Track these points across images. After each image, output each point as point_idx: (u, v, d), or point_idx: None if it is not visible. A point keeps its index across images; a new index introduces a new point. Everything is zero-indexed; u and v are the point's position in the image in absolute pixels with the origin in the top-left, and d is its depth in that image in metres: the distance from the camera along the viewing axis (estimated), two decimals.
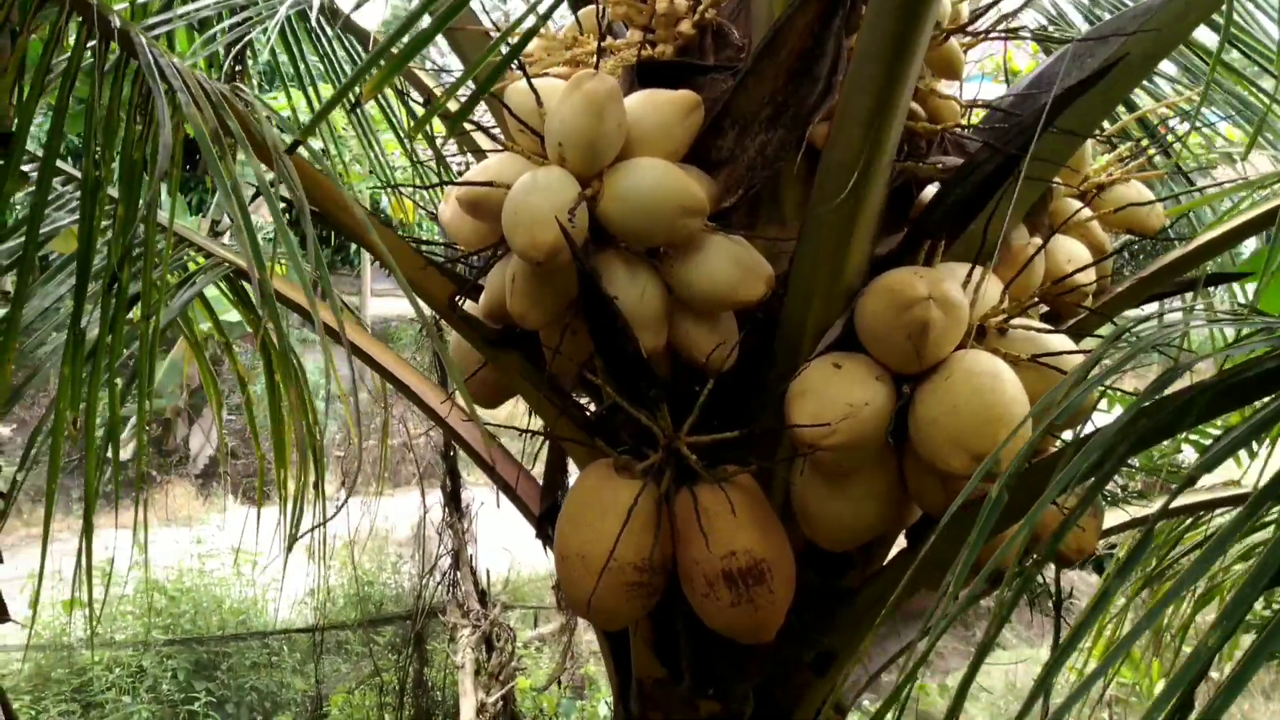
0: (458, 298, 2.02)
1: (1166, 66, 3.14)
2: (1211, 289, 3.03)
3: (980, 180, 1.84)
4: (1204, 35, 3.10)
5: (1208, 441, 4.01)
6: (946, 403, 1.68)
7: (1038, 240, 2.04)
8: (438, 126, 3.87)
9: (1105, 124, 2.55)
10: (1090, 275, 2.10)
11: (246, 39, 2.90)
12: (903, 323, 1.68)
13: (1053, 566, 2.41)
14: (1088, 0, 3.19)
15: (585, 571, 1.77)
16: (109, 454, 2.37)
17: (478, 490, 6.26)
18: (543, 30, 2.11)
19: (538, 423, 2.23)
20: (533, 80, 1.83)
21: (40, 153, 2.56)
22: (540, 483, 2.51)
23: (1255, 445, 2.93)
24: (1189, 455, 4.81)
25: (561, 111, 1.75)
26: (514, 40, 1.51)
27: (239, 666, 7.07)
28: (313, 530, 3.11)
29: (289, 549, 3.02)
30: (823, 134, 1.84)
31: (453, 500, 6.22)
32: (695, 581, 1.77)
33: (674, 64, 1.98)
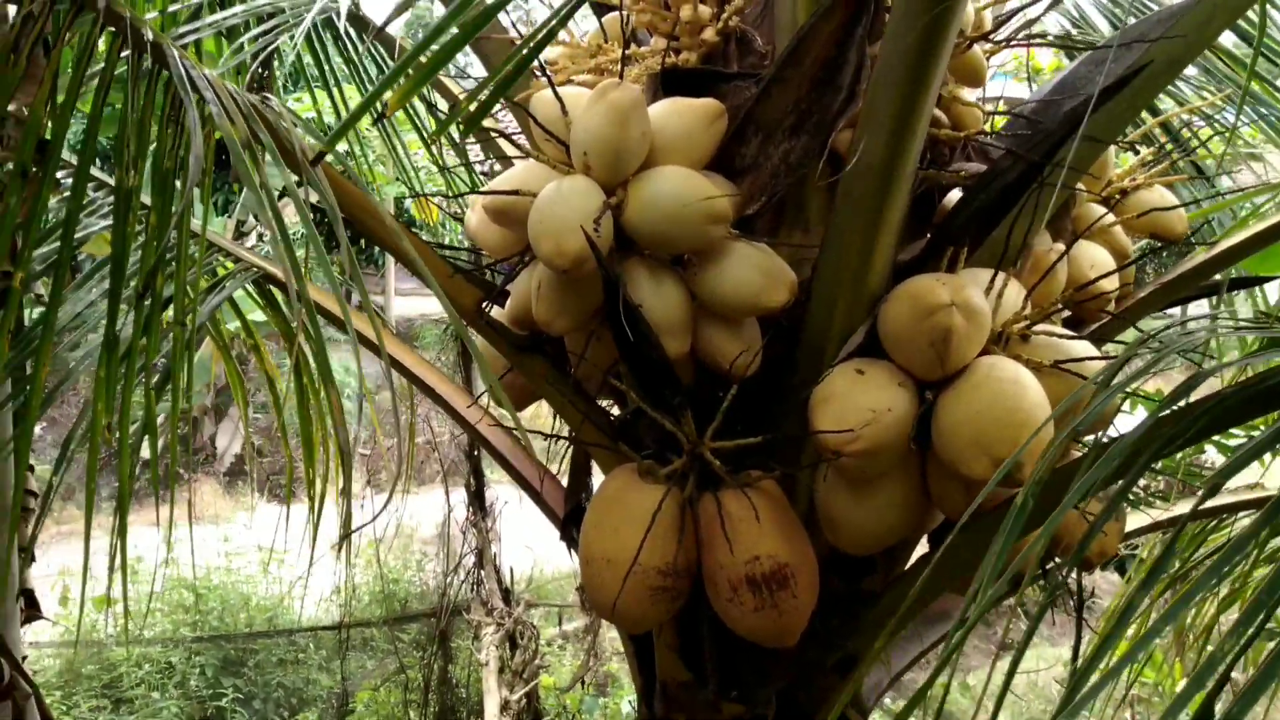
0: (484, 304, 2.05)
1: (1187, 68, 3.13)
2: (1235, 293, 3.02)
3: (1003, 187, 1.84)
4: (1223, 36, 3.09)
5: (1231, 442, 4.00)
6: (969, 409, 1.69)
7: (1060, 246, 2.04)
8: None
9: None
10: (1113, 281, 2.10)
11: (273, 46, 2.93)
12: (925, 329, 1.69)
13: (1075, 568, 2.42)
14: (1110, 3, 3.18)
15: (610, 575, 1.79)
16: (140, 454, 2.41)
17: (501, 489, 6.30)
18: (567, 38, 2.13)
19: (562, 426, 2.25)
20: (558, 89, 1.85)
21: (72, 159, 2.61)
22: (564, 485, 2.53)
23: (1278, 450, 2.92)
24: (1212, 455, 4.80)
25: (586, 120, 1.77)
26: (535, 44, 1.53)
27: (266, 663, 7.13)
28: (342, 532, 3.14)
29: (314, 547, 3.05)
30: (846, 141, 1.85)
31: (477, 499, 6.25)
32: (719, 586, 1.79)
33: (698, 71, 1.99)
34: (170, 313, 2.25)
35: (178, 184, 1.88)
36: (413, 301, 14.26)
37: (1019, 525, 1.18)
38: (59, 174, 2.40)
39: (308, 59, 3.65)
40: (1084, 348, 1.81)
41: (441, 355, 6.37)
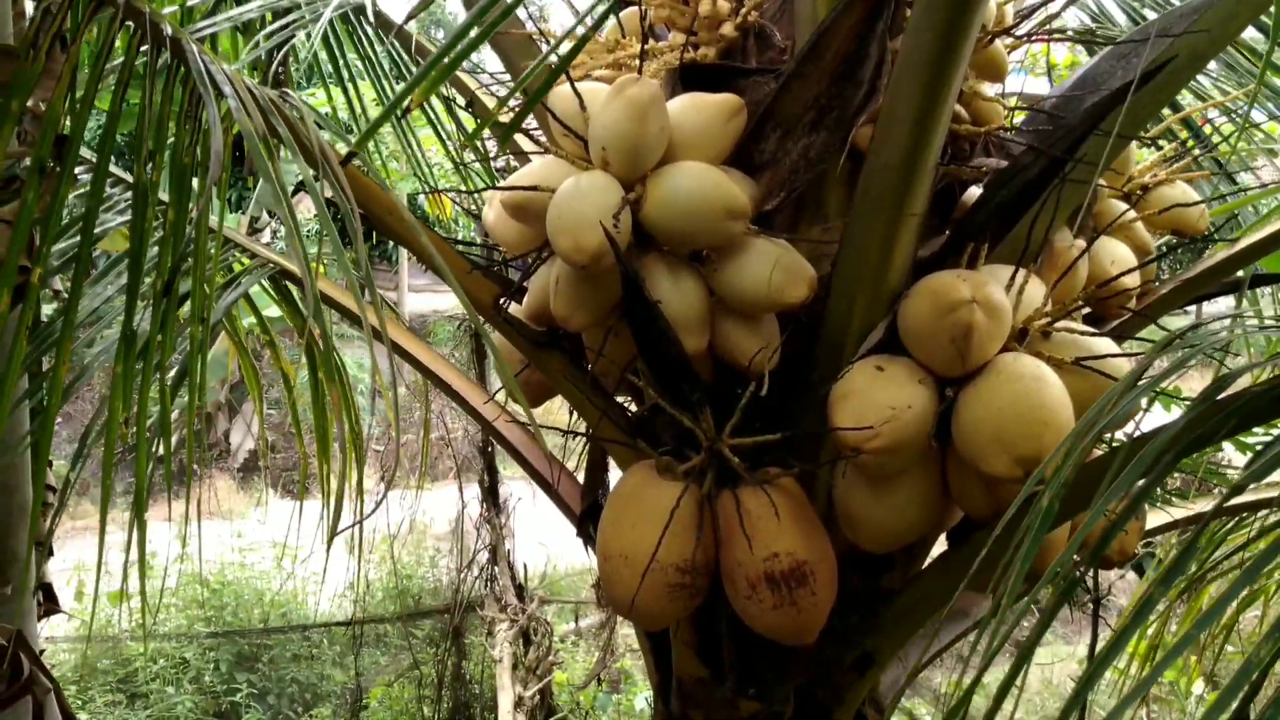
0: (502, 300, 2.04)
1: (1210, 63, 3.11)
2: (1259, 291, 3.00)
3: (1025, 183, 1.83)
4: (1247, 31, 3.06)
5: (1249, 440, 3.98)
6: (990, 406, 1.68)
7: (1081, 243, 2.03)
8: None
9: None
10: (1134, 277, 2.09)
11: (290, 41, 2.93)
12: (946, 325, 1.68)
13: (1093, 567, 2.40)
14: None
15: (628, 572, 1.79)
16: (156, 449, 2.41)
17: (515, 485, 6.30)
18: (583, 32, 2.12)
19: (579, 422, 2.25)
20: (576, 84, 1.85)
21: (91, 156, 2.61)
22: (581, 481, 2.52)
23: None
24: (1229, 453, 4.77)
25: (605, 116, 1.76)
26: (563, 49, 1.52)
27: (280, 659, 7.15)
28: (354, 526, 3.15)
29: (330, 544, 3.05)
30: (866, 137, 1.84)
31: (490, 495, 6.26)
32: (738, 583, 1.78)
33: (717, 67, 1.99)
34: (187, 308, 2.25)
35: (195, 180, 1.88)
36: (426, 298, 14.28)
37: (1045, 529, 1.17)
38: (77, 170, 2.40)
39: (322, 55, 3.65)
40: (1105, 345, 1.80)
41: (455, 351, 6.37)
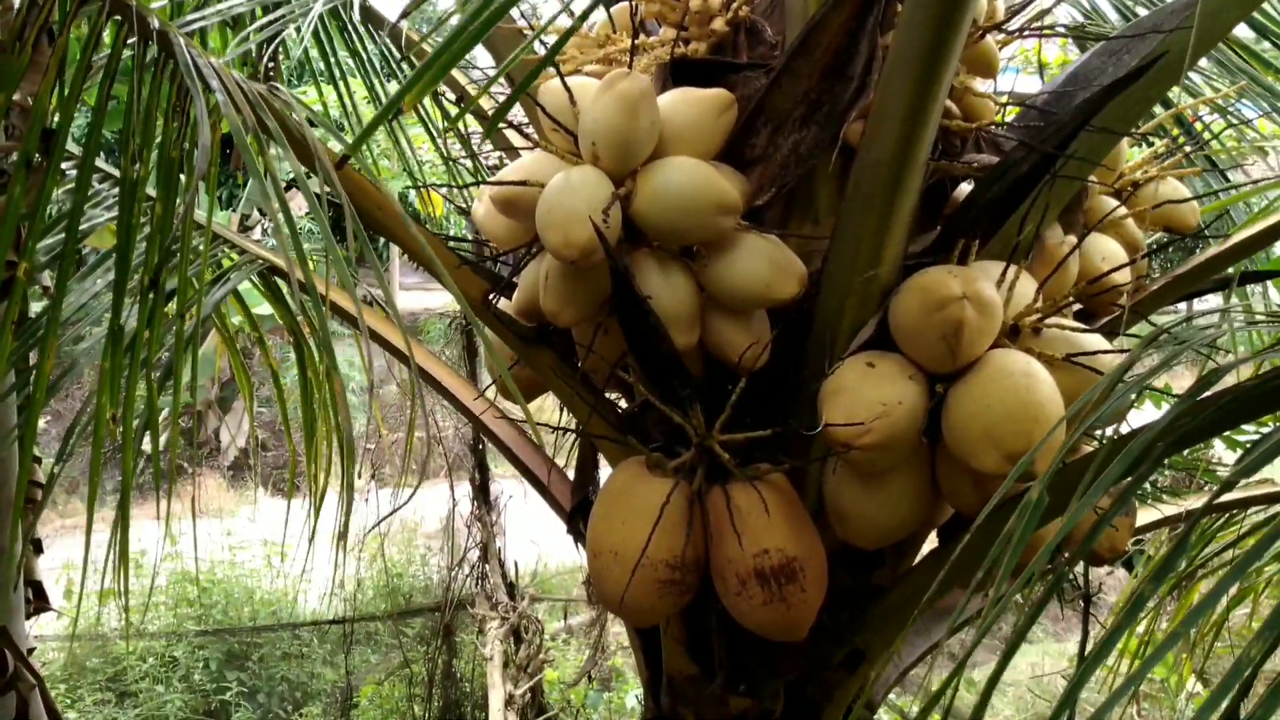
0: (491, 296, 2.03)
1: (1200, 60, 3.11)
2: (1249, 288, 3.01)
3: (1016, 179, 1.83)
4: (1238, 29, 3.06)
5: (1240, 437, 3.98)
6: (980, 402, 1.68)
7: (1072, 239, 2.03)
8: (470, 122, 3.88)
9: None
10: (1125, 274, 2.09)
11: (280, 36, 2.91)
12: (936, 322, 1.68)
13: (1082, 564, 2.40)
14: None
15: (618, 569, 1.78)
16: (143, 447, 2.40)
17: (506, 483, 6.29)
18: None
19: (570, 419, 2.24)
20: (566, 79, 1.84)
21: (77, 150, 2.59)
22: (571, 478, 2.51)
23: None
24: (1220, 450, 4.78)
25: (595, 110, 1.76)
26: (548, 39, 1.51)
27: (270, 657, 7.13)
28: (344, 524, 3.13)
29: (313, 539, 3.05)
30: (857, 132, 1.83)
31: (481, 493, 6.24)
32: (728, 580, 1.78)
33: (707, 62, 1.98)
34: (175, 305, 2.24)
35: (182, 176, 1.87)
36: (417, 296, 14.24)
37: (1034, 522, 1.17)
38: (64, 165, 2.39)
39: (313, 51, 3.64)
40: (1096, 341, 1.80)
41: (446, 349, 6.36)
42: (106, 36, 2.00)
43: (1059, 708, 1.07)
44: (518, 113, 2.31)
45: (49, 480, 2.37)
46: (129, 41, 1.81)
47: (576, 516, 2.40)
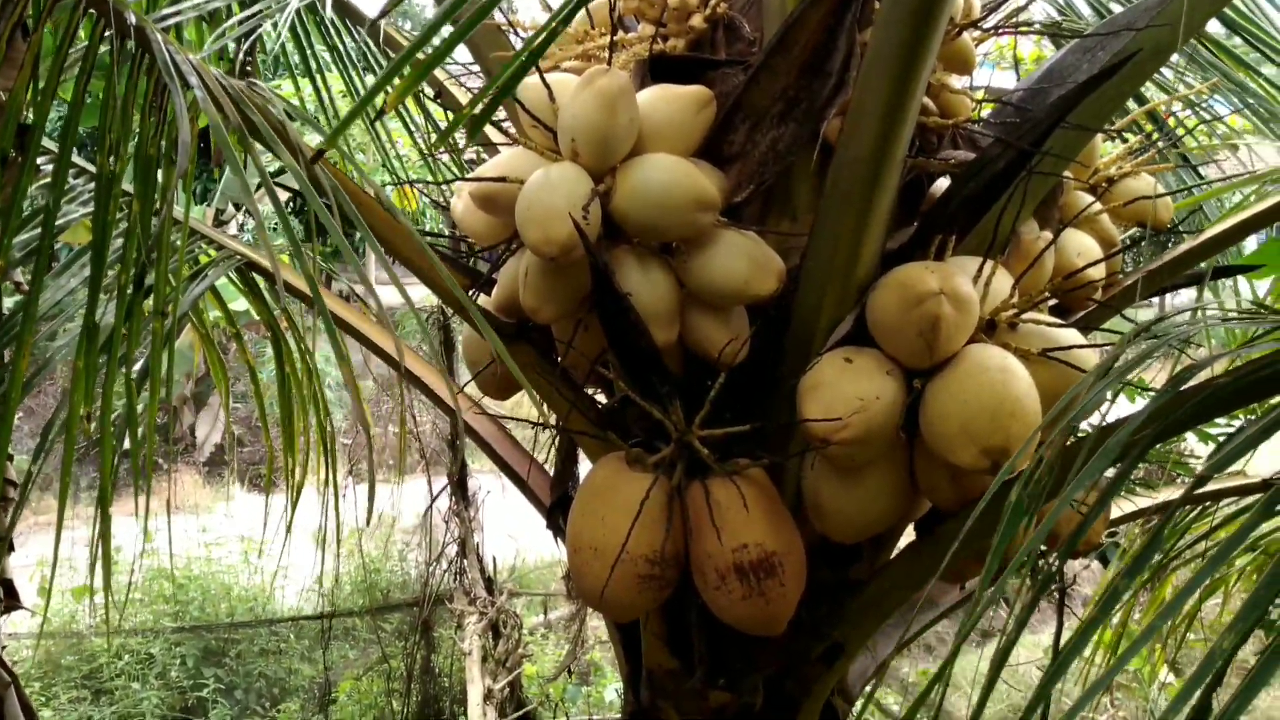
0: (471, 292, 2.03)
1: (1174, 57, 3.13)
2: (1222, 282, 3.04)
3: (992, 175, 1.84)
4: (1210, 24, 3.09)
5: (1212, 430, 4.02)
6: (957, 397, 1.69)
7: (1048, 234, 2.05)
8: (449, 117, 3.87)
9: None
10: (1100, 269, 2.11)
11: (257, 32, 2.89)
12: (914, 318, 1.69)
13: (1057, 557, 2.42)
14: None
15: (598, 564, 1.79)
16: (120, 444, 2.38)
17: (484, 478, 6.28)
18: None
19: (550, 415, 2.24)
20: (545, 75, 1.84)
21: (53, 146, 2.57)
22: (551, 473, 2.52)
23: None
24: (1193, 443, 4.82)
25: (574, 107, 1.76)
26: (534, 45, 1.51)
27: (247, 653, 7.10)
28: (320, 519, 3.13)
29: (288, 534, 3.04)
30: (836, 129, 1.84)
31: (459, 488, 6.23)
32: (707, 574, 1.79)
33: (686, 59, 1.98)
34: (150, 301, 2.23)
35: (159, 171, 1.86)
36: (395, 291, 14.17)
37: (1017, 520, 1.18)
38: (39, 160, 2.37)
39: (290, 46, 3.62)
40: (1072, 336, 1.81)
41: (423, 344, 6.34)
42: (83, 31, 1.99)
43: (1033, 701, 1.09)
44: (498, 109, 2.31)
45: (25, 480, 2.35)
46: (105, 36, 1.80)
47: (556, 512, 2.41)
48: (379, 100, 1.43)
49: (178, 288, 2.04)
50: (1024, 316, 1.81)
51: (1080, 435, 1.58)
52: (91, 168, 2.61)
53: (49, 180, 2.18)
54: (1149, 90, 3.19)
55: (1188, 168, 3.13)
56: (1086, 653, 4.04)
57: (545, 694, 6.39)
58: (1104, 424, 1.41)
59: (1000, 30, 2.18)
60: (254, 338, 8.79)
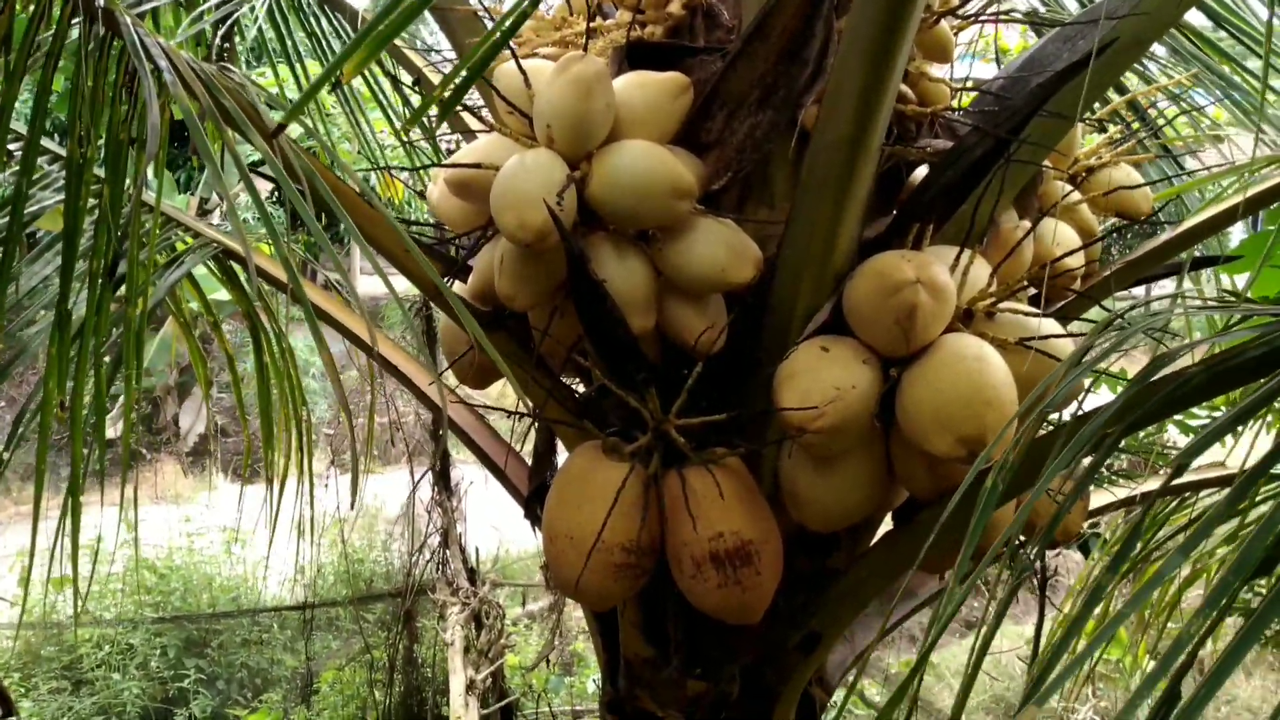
0: (446, 279, 2.02)
1: (1154, 48, 3.14)
2: (1202, 273, 3.04)
3: (971, 163, 1.84)
4: (1192, 16, 3.09)
5: (1193, 421, 4.03)
6: (933, 386, 1.68)
7: (1026, 224, 2.04)
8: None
9: (1094, 106, 2.54)
10: (1078, 259, 2.10)
11: (234, 17, 2.87)
12: (890, 306, 1.68)
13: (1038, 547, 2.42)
14: None
15: (573, 553, 1.78)
16: (100, 435, 2.37)
17: (467, 468, 6.26)
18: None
19: (527, 404, 2.23)
20: (521, 61, 1.82)
21: (24, 131, 2.54)
22: (528, 463, 2.51)
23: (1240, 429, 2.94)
24: (1174, 434, 4.83)
25: (550, 93, 1.74)
26: (506, 25, 1.50)
27: (229, 644, 7.07)
28: (302, 510, 3.12)
29: (273, 527, 3.03)
30: (813, 117, 1.83)
31: (442, 479, 6.21)
32: (683, 563, 1.78)
33: (663, 45, 1.97)
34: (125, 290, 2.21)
35: (132, 156, 1.84)
36: (379, 282, 14.09)
37: (990, 509, 1.18)
38: (10, 145, 2.35)
39: (270, 34, 3.59)
40: (1049, 325, 1.81)
41: (406, 335, 6.32)
42: (54, 14, 1.97)
43: (1026, 698, 1.08)
44: (474, 96, 2.29)
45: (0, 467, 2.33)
46: (74, 21, 1.78)
47: (534, 501, 2.40)
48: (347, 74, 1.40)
49: (149, 276, 2.02)
50: (1001, 306, 1.81)
51: (1058, 425, 1.57)
52: (64, 152, 2.59)
53: (19, 166, 2.15)
54: (1131, 81, 3.19)
55: (1168, 158, 3.13)
56: (1071, 647, 4.05)
57: (528, 684, 6.38)
58: (1080, 413, 1.41)
59: (979, 18, 2.17)
60: (238, 328, 8.75)
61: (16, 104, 1.86)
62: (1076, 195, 2.20)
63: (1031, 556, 1.71)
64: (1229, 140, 3.14)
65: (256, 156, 1.75)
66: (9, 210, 2.46)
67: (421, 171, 2.98)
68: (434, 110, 2.34)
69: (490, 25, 2.12)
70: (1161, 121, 3.05)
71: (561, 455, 2.30)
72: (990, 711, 7.03)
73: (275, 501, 3.13)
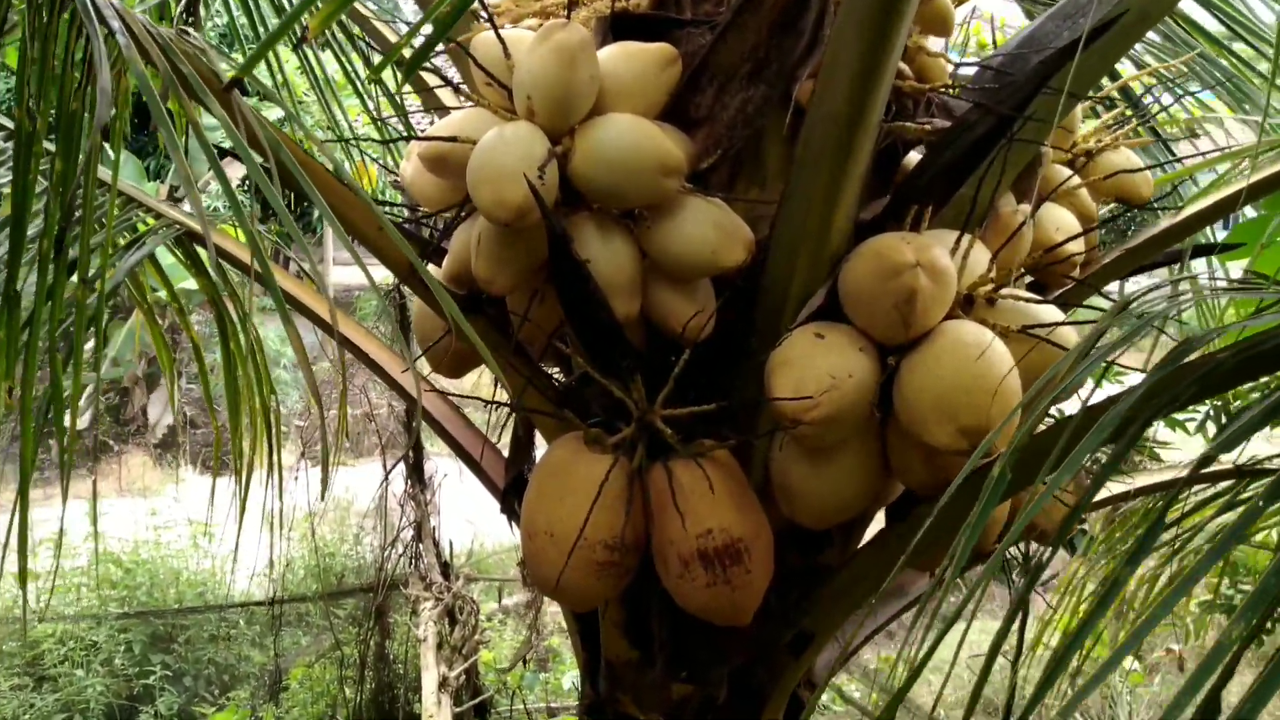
0: (421, 261, 1.92)
1: (1151, 35, 3.08)
2: (1204, 260, 2.98)
3: (971, 143, 1.76)
4: (1185, 3, 3.04)
5: (1180, 416, 3.98)
6: (933, 374, 1.61)
7: (1026, 208, 1.97)
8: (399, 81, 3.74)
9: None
10: (1079, 245, 2.03)
11: None
12: (889, 290, 1.60)
13: (1023, 543, 2.36)
14: None
15: (553, 550, 1.69)
16: (59, 425, 2.25)
17: (441, 461, 6.17)
18: None
19: (504, 394, 2.14)
20: (501, 31, 1.73)
21: None
22: (505, 455, 2.42)
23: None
24: (1160, 429, 4.80)
25: (530, 63, 1.65)
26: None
27: (197, 639, 6.95)
28: (271, 502, 3.01)
29: (241, 520, 2.93)
30: (808, 92, 1.75)
31: (415, 471, 6.11)
32: (670, 561, 1.69)
33: (649, 16, 1.88)
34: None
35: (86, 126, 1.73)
36: (353, 271, 13.98)
37: (993, 503, 1.11)
38: None
39: (242, 20, 3.48)
40: (1051, 313, 1.74)
41: (380, 325, 6.22)
42: None
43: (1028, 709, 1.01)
44: (453, 70, 2.20)
45: None
46: None
47: (511, 495, 2.30)
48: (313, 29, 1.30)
49: (105, 259, 1.91)
50: (1002, 292, 1.73)
51: (1063, 417, 1.50)
52: (10, 124, 2.47)
53: None
54: (1127, 68, 3.14)
55: (1160, 144, 3.07)
56: (1048, 639, 4.00)
57: (502, 681, 6.30)
58: (1088, 404, 1.34)
59: None
60: (207, 318, 8.61)
61: None
62: (1077, 179, 2.13)
63: (1028, 555, 1.64)
64: (1224, 129, 3.09)
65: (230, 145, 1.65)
66: None
67: (395, 153, 2.88)
68: (403, 77, 2.23)
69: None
70: (1157, 108, 2.99)
71: (540, 447, 2.21)
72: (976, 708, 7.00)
73: (243, 494, 3.02)
